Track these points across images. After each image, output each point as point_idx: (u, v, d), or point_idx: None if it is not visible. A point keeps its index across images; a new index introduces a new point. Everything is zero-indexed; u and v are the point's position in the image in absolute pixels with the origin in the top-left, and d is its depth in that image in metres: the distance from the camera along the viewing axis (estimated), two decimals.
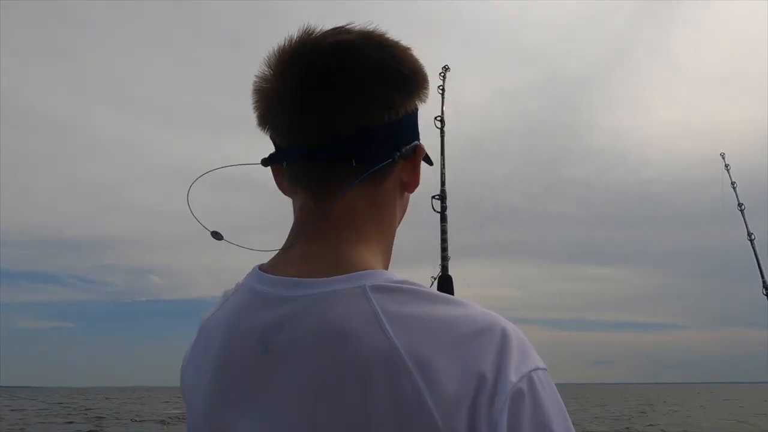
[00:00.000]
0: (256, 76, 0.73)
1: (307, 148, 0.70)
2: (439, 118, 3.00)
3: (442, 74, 3.25)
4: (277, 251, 0.74)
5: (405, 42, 0.73)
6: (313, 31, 0.71)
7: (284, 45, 0.71)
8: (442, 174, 2.89)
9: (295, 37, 0.71)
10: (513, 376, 0.59)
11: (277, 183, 0.78)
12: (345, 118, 0.69)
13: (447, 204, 2.85)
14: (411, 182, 0.77)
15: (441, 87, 3.20)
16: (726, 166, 4.39)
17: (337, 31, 0.71)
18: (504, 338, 0.61)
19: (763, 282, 4.23)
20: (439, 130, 3.00)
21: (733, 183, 4.35)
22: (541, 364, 0.62)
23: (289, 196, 0.77)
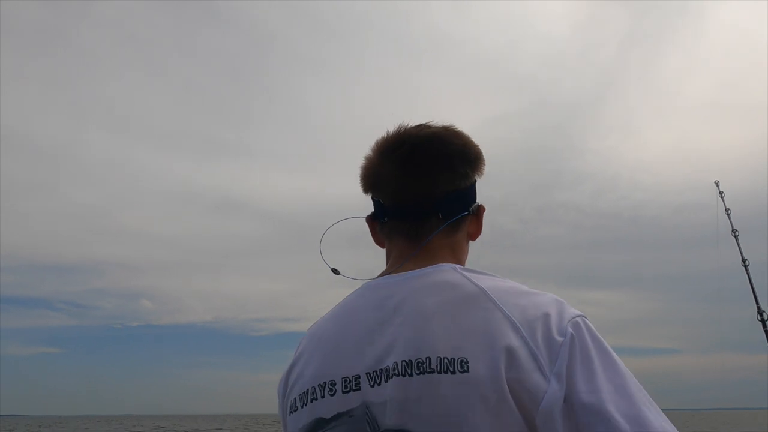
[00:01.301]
0: (366, 158, 1.06)
1: (409, 207, 1.02)
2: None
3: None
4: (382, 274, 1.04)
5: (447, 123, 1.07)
6: (404, 127, 1.05)
7: (387, 136, 1.05)
8: None
9: (395, 130, 1.05)
10: (570, 313, 0.87)
11: (372, 233, 1.11)
12: (437, 186, 1.01)
13: None
14: (475, 232, 1.09)
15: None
16: (720, 193, 4.43)
17: (425, 125, 1.05)
18: (560, 300, 0.90)
19: (758, 307, 4.23)
20: None
21: (727, 210, 4.37)
22: (582, 313, 0.89)
23: (382, 244, 1.09)
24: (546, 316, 0.85)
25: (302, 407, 0.93)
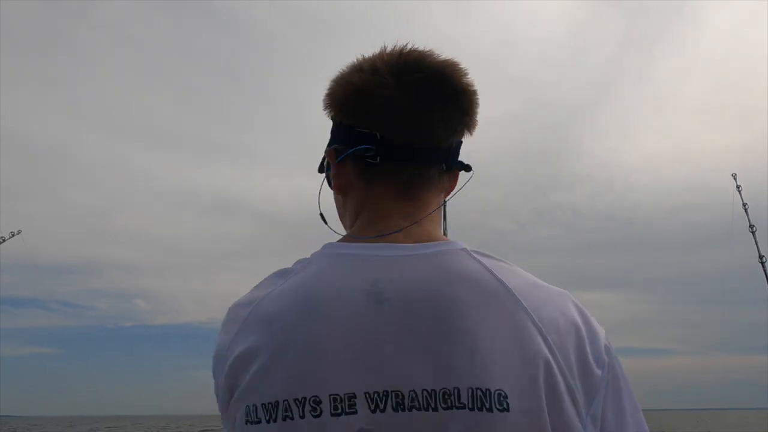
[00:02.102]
0: (356, 77, 0.79)
1: (419, 149, 0.79)
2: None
3: None
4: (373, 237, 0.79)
5: None
6: (407, 47, 0.81)
7: (391, 52, 0.81)
8: (444, 209, 2.99)
9: (397, 49, 0.81)
10: (600, 332, 0.75)
11: (336, 174, 0.83)
12: (453, 132, 0.81)
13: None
14: (451, 189, 0.88)
15: None
16: (737, 186, 4.40)
17: (429, 53, 0.81)
18: (575, 302, 0.76)
19: None
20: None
21: (744, 204, 4.35)
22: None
23: (345, 188, 0.83)
24: (576, 330, 0.72)
25: (268, 422, 0.67)
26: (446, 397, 0.64)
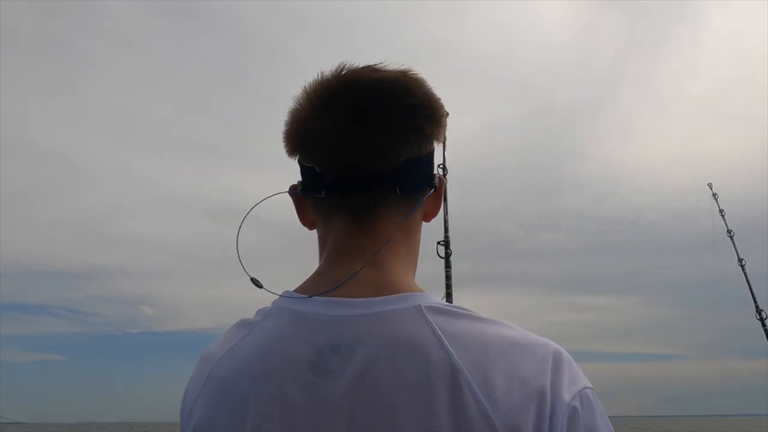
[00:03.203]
0: (294, 110, 0.77)
1: (357, 178, 0.74)
2: (441, 166, 2.93)
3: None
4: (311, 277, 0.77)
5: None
6: (346, 67, 0.76)
7: (323, 79, 0.76)
8: (446, 221, 2.90)
9: (333, 72, 0.76)
10: (566, 395, 0.65)
11: (299, 211, 0.82)
12: (394, 151, 0.74)
13: (451, 250, 2.85)
14: (433, 211, 0.83)
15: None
16: (714, 195, 4.54)
17: (374, 68, 0.76)
18: (556, 358, 0.67)
19: (756, 306, 4.30)
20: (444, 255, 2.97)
21: (721, 211, 4.48)
22: (589, 384, 0.68)
23: (313, 224, 0.82)
24: (539, 399, 0.64)
25: None
26: None
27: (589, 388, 0.68)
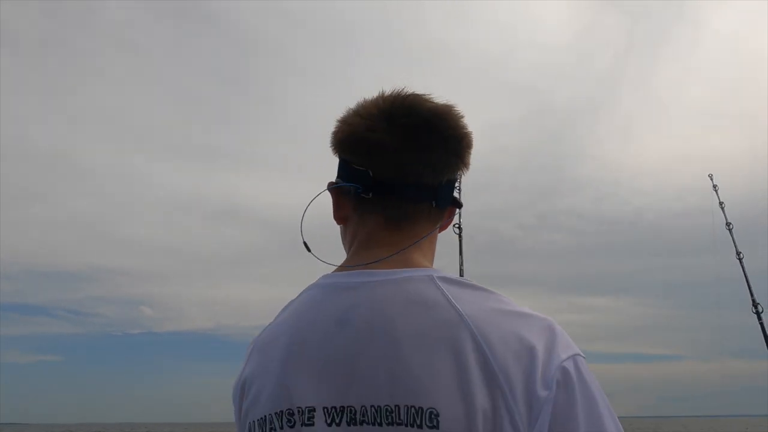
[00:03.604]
0: (351, 118, 0.90)
1: (409, 187, 0.87)
2: (457, 226, 3.76)
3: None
4: (352, 265, 0.89)
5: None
6: (404, 92, 0.90)
7: (385, 97, 0.90)
8: (461, 271, 3.46)
9: (393, 93, 0.90)
10: (562, 354, 0.75)
11: (336, 206, 0.94)
12: (441, 171, 0.88)
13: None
14: (447, 224, 0.97)
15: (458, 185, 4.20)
16: (714, 186, 4.56)
17: (426, 98, 0.90)
18: (551, 328, 0.78)
19: (753, 300, 4.30)
20: (457, 235, 3.74)
21: (721, 203, 4.49)
22: (582, 354, 0.78)
23: (345, 220, 0.94)
24: (530, 354, 0.73)
25: None
26: (389, 413, 0.73)
27: (582, 356, 0.77)
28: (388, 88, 0.90)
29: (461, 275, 3.34)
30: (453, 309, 0.76)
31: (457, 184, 0.93)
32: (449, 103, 0.91)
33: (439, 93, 0.91)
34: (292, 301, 0.89)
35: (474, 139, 0.92)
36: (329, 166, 0.96)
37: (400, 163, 0.86)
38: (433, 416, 0.71)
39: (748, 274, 4.38)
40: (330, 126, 0.93)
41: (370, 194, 0.88)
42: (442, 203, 0.90)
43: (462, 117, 0.90)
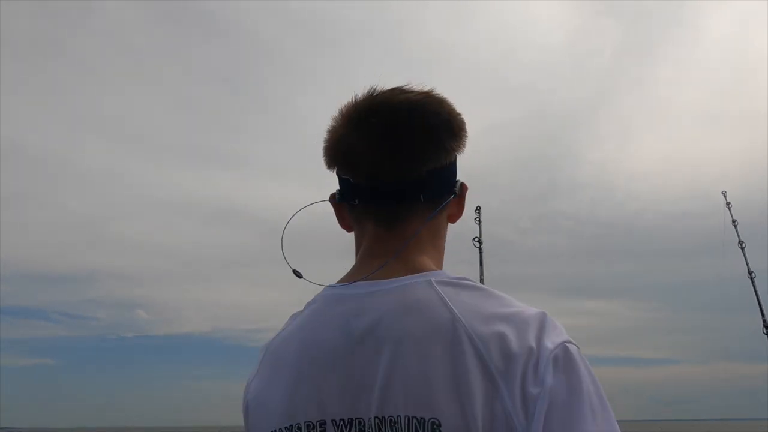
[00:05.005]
0: (331, 128, 0.89)
1: (385, 187, 0.85)
2: (477, 239, 4.09)
3: (477, 211, 4.56)
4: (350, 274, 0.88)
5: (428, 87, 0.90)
6: (376, 90, 0.87)
7: (357, 101, 0.87)
8: (481, 280, 3.82)
9: (365, 95, 0.87)
10: (549, 344, 0.73)
11: (338, 216, 0.94)
12: (419, 164, 0.85)
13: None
14: (456, 214, 0.94)
15: (477, 219, 4.55)
16: (727, 204, 4.42)
17: (401, 90, 0.87)
18: (543, 319, 0.76)
19: (764, 320, 4.20)
20: (477, 249, 4.03)
21: (734, 221, 4.36)
22: (572, 340, 0.76)
23: (350, 228, 0.93)
24: (528, 353, 0.72)
25: None
26: (392, 424, 0.72)
27: (571, 342, 0.75)
28: (366, 88, 0.89)
29: (481, 280, 3.51)
30: (448, 311, 0.76)
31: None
32: (426, 89, 0.88)
33: (438, 93, 0.89)
34: (300, 312, 0.89)
35: (467, 126, 0.89)
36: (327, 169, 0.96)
37: (373, 165, 0.84)
38: (435, 426, 0.70)
39: (759, 294, 4.26)
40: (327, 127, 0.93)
41: (356, 201, 0.88)
42: (431, 195, 0.87)
43: (441, 102, 0.87)
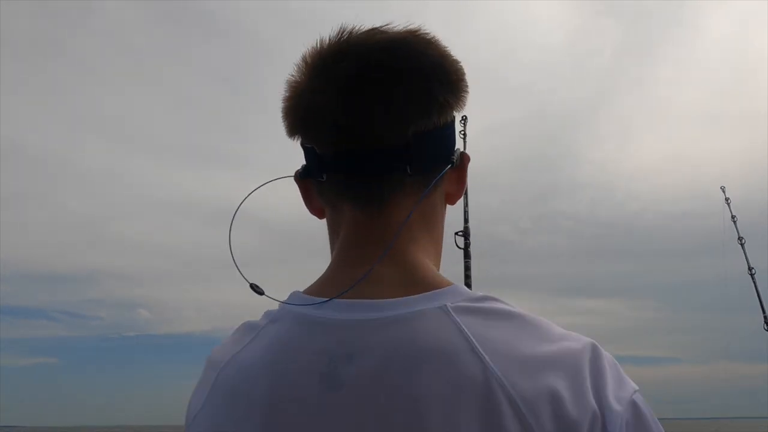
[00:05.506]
0: (290, 80, 0.66)
1: (360, 156, 0.62)
2: (460, 233, 2.90)
3: (462, 122, 3.07)
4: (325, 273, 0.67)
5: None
6: (347, 31, 0.64)
7: (323, 44, 0.65)
8: (465, 212, 2.92)
9: (333, 37, 0.64)
10: (617, 405, 0.55)
11: (305, 198, 0.71)
12: (401, 122, 0.62)
13: (470, 240, 2.92)
14: (456, 194, 0.71)
15: (462, 132, 3.07)
16: (726, 199, 4.43)
17: (379, 30, 0.64)
18: (597, 357, 0.58)
19: (765, 317, 4.22)
20: (461, 247, 2.86)
21: (733, 217, 4.38)
22: (635, 385, 0.59)
23: (321, 212, 0.71)
24: (591, 420, 0.54)
25: None
26: None
27: (636, 390, 0.58)
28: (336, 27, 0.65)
29: (468, 284, 2.85)
30: (479, 361, 0.54)
31: (460, 132, 0.63)
32: (412, 27, 0.65)
33: (427, 31, 0.66)
34: (257, 326, 0.65)
35: (466, 76, 0.66)
36: None
37: (343, 128, 0.62)
38: None
39: (760, 290, 4.29)
40: None
41: (324, 176, 0.65)
42: (420, 166, 0.63)
43: (428, 43, 0.64)
